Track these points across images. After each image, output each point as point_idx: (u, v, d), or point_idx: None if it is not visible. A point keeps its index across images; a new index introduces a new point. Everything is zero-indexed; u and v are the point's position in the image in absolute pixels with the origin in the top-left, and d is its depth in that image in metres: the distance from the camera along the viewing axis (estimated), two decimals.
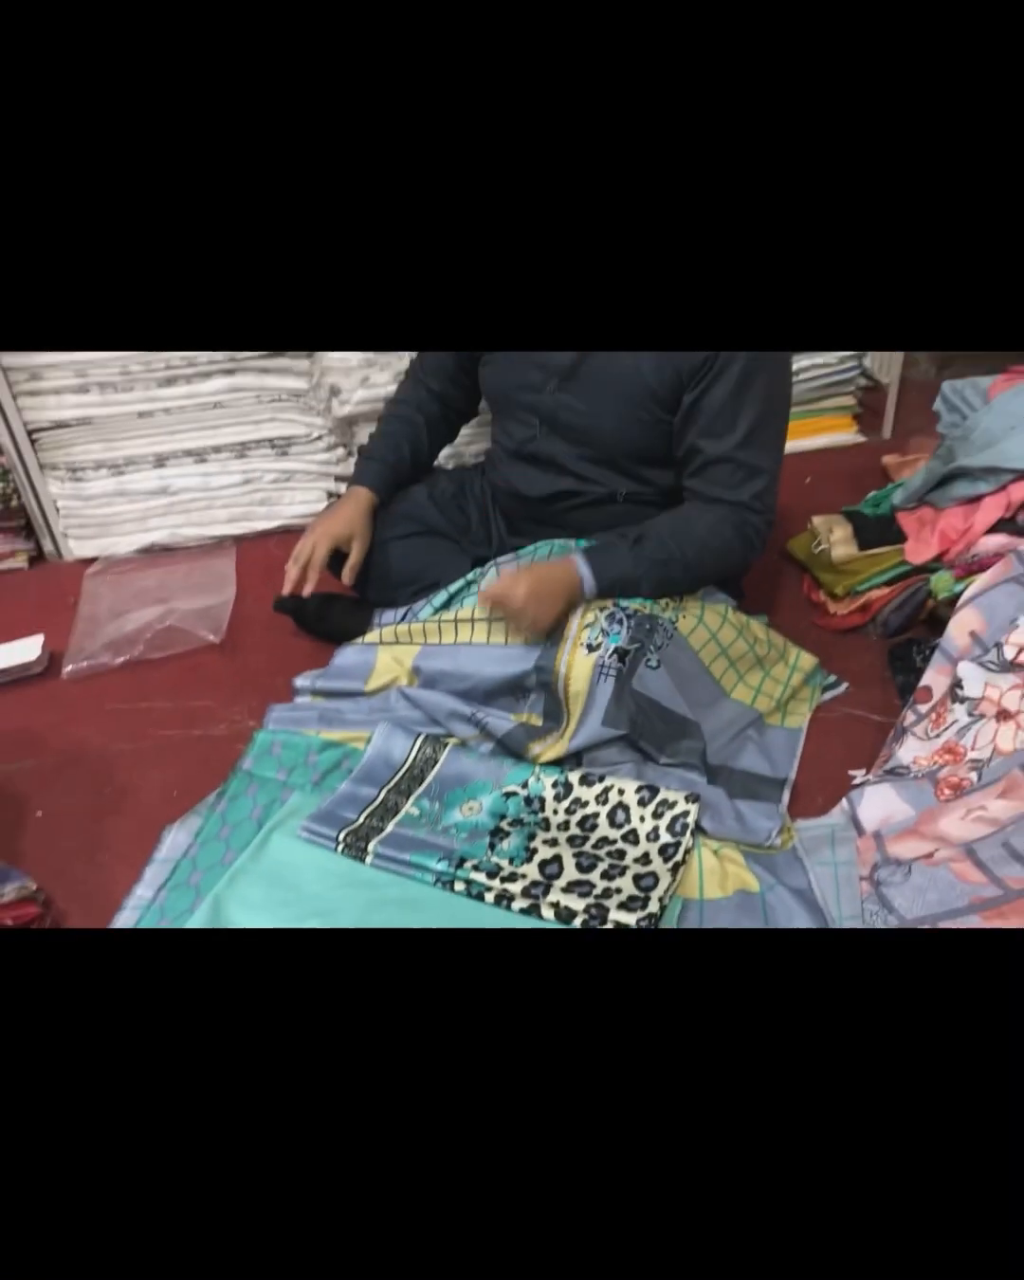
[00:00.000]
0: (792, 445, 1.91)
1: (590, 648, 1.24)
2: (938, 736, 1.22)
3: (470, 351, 1.40)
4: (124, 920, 1.12)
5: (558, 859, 1.12)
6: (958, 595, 1.32)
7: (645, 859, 1.12)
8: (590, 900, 1.06)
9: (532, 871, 1.10)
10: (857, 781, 1.24)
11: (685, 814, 1.14)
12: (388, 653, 1.37)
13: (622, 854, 1.13)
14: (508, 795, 1.21)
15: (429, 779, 1.24)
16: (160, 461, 1.76)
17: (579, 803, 1.19)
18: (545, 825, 1.17)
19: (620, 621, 1.25)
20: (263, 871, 1.13)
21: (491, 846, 1.15)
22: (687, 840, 1.13)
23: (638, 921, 1.03)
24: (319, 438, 1.79)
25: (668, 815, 1.15)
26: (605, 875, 1.10)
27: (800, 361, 1.87)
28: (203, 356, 1.67)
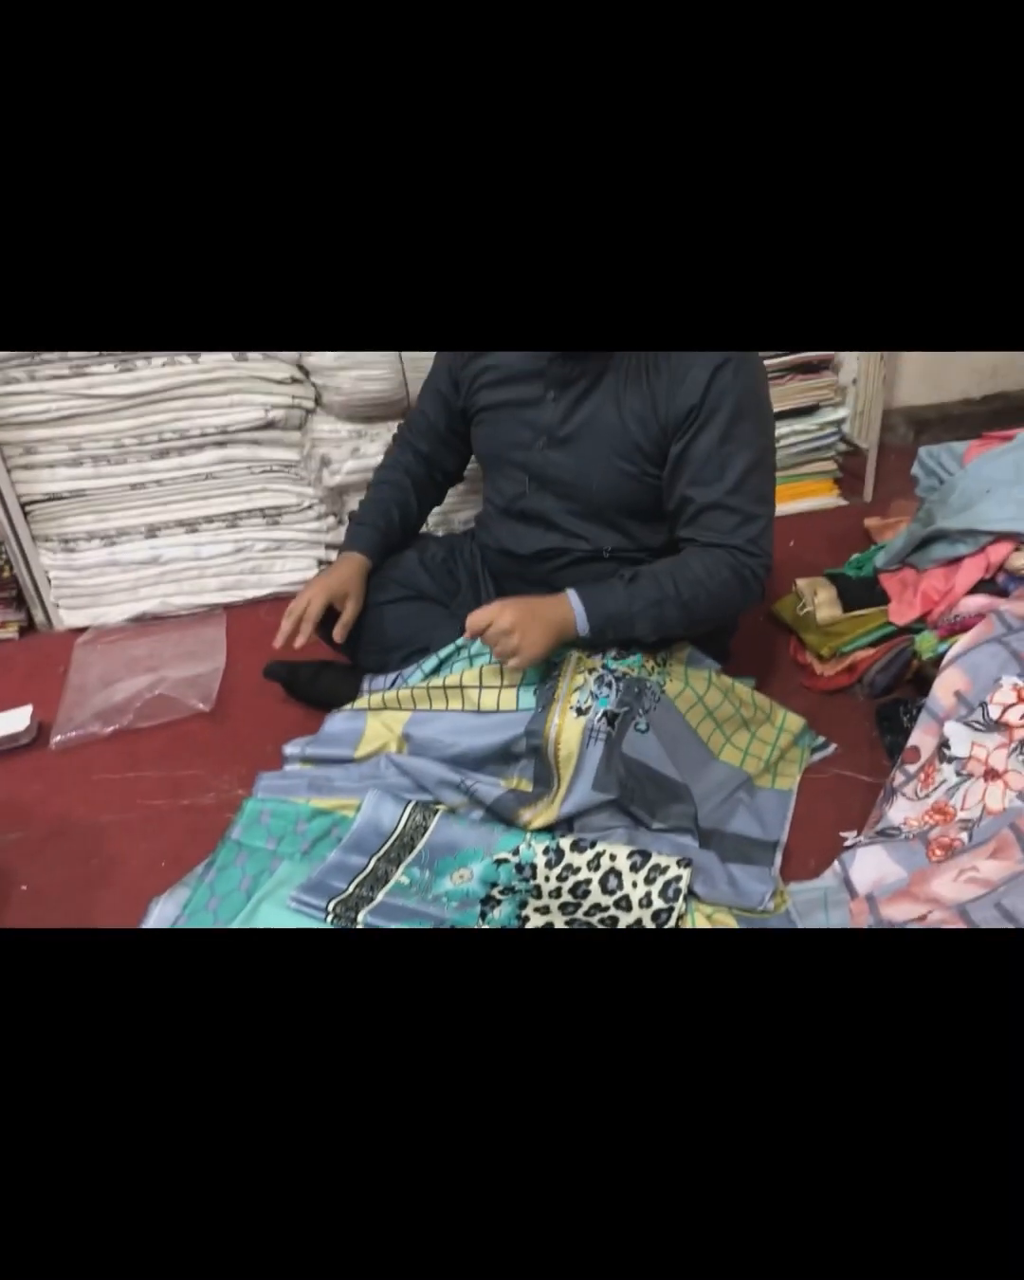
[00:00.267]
0: (775, 510, 1.95)
1: (579, 711, 1.24)
2: (927, 797, 1.22)
3: (458, 405, 1.43)
4: None
5: (550, 927, 1.11)
6: (942, 655, 1.33)
7: (639, 925, 1.11)
8: None
9: None
10: (848, 843, 1.24)
11: (678, 879, 1.13)
12: (377, 719, 1.37)
13: (615, 920, 1.12)
14: (499, 862, 1.20)
15: (419, 847, 1.23)
16: (152, 532, 1.78)
17: (571, 869, 1.18)
18: (537, 892, 1.16)
19: (609, 684, 1.26)
20: None
21: (482, 915, 1.13)
22: (680, 906, 1.12)
23: None
24: (310, 507, 1.81)
25: (660, 880, 1.14)
26: None
27: (781, 429, 1.92)
28: (195, 429, 1.70)
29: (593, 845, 1.19)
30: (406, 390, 1.72)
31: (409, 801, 1.27)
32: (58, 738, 1.52)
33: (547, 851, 1.20)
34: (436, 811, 1.26)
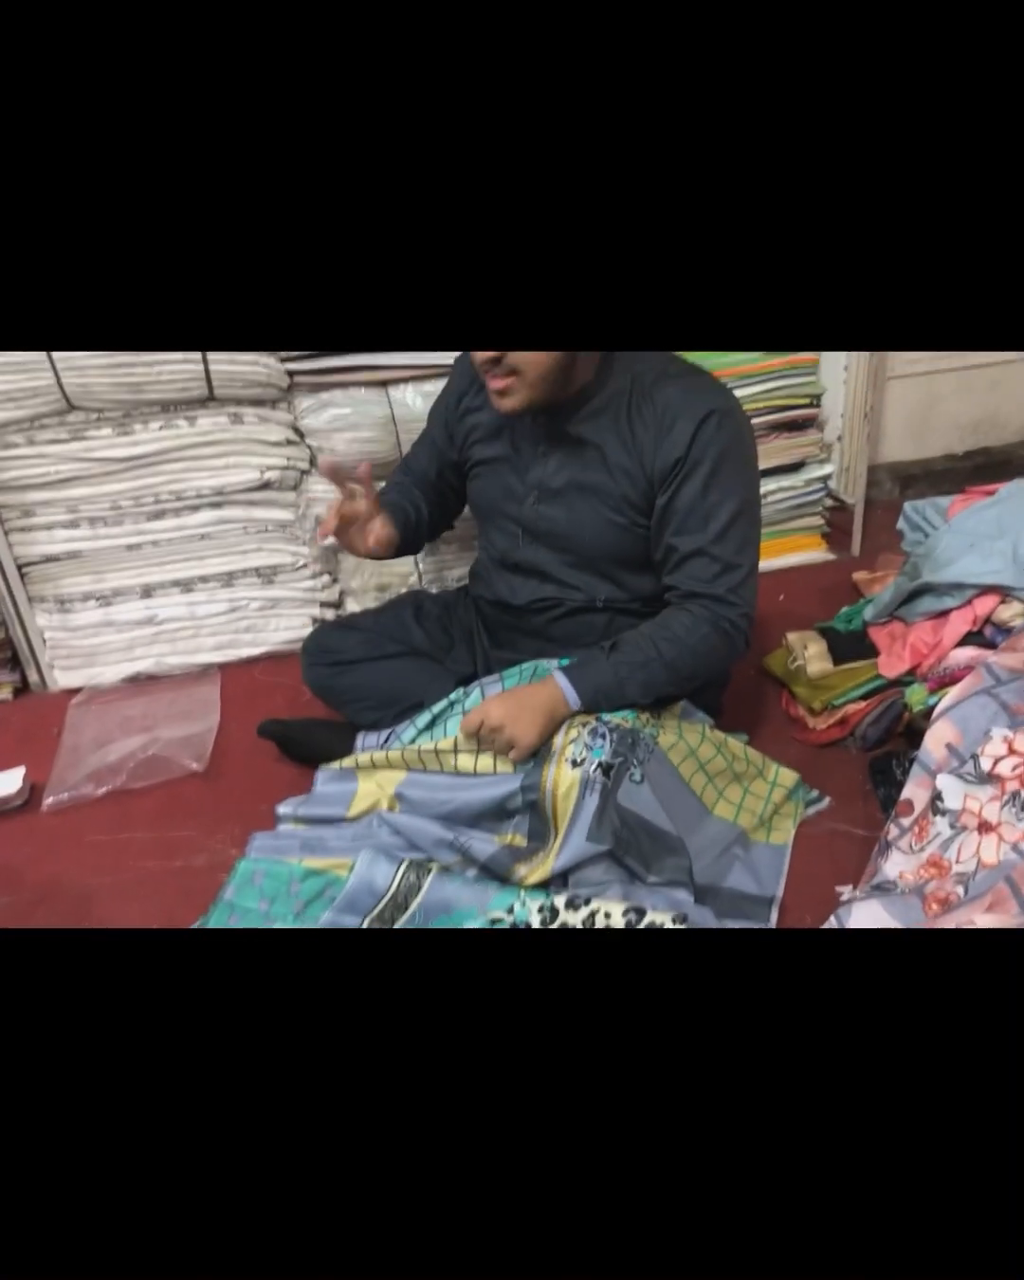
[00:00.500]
0: (765, 564, 1.96)
1: (574, 763, 1.24)
2: (922, 850, 1.22)
3: (452, 457, 1.45)
4: None
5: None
6: (933, 708, 1.34)
7: None
8: None
9: None
10: (844, 898, 1.23)
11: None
12: (370, 778, 1.37)
13: None
14: (493, 922, 1.19)
15: (413, 907, 1.22)
16: (147, 592, 1.80)
17: (566, 928, 1.17)
18: None
19: (602, 736, 1.26)
20: None
21: None
22: None
23: None
24: (304, 566, 1.83)
25: None
26: None
27: (767, 485, 1.95)
28: (191, 490, 1.73)
29: (587, 902, 1.18)
30: (399, 451, 1.75)
31: (403, 861, 1.27)
32: (50, 800, 1.52)
33: (541, 910, 1.19)
34: (431, 870, 1.26)
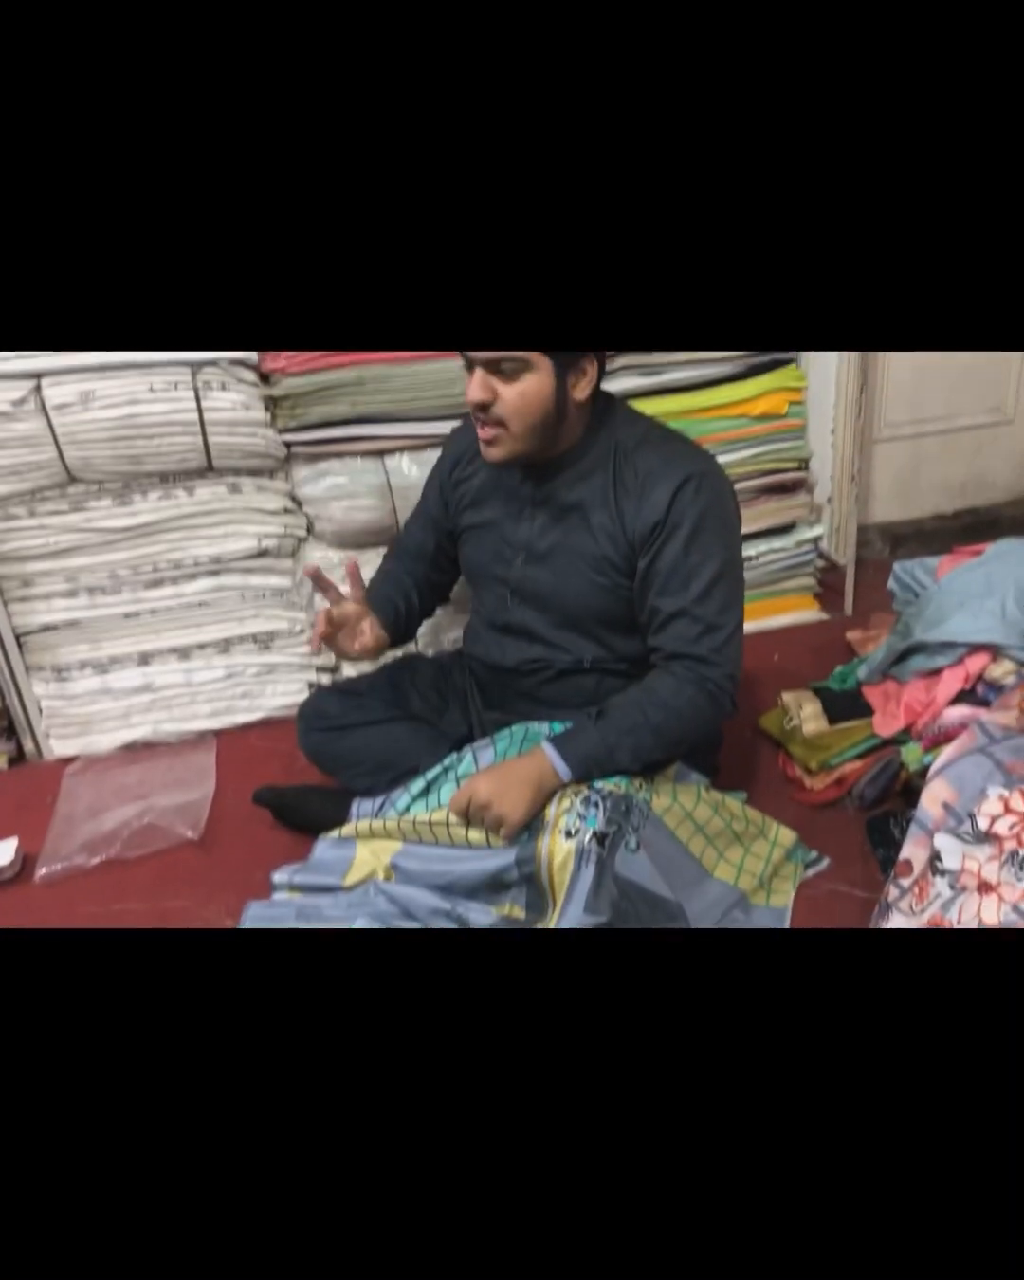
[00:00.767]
0: (758, 624, 1.99)
1: (569, 834, 1.23)
2: (923, 911, 1.20)
3: (447, 526, 1.48)
4: None
5: None
6: (928, 766, 1.34)
7: None
8: None
9: None
10: None
11: None
12: (366, 846, 1.36)
13: None
14: None
15: None
16: (145, 659, 1.80)
17: None
18: None
19: (595, 804, 1.26)
20: None
21: None
22: None
23: None
24: (301, 631, 1.85)
25: None
26: None
27: (758, 547, 1.98)
28: (189, 559, 1.75)
29: None
30: (395, 519, 1.78)
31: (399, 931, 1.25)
32: (43, 870, 1.51)
33: None
34: None
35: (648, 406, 1.53)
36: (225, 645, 1.83)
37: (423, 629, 1.89)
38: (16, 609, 1.73)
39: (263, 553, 1.77)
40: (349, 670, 1.89)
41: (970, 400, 2.24)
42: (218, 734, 1.83)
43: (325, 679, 1.88)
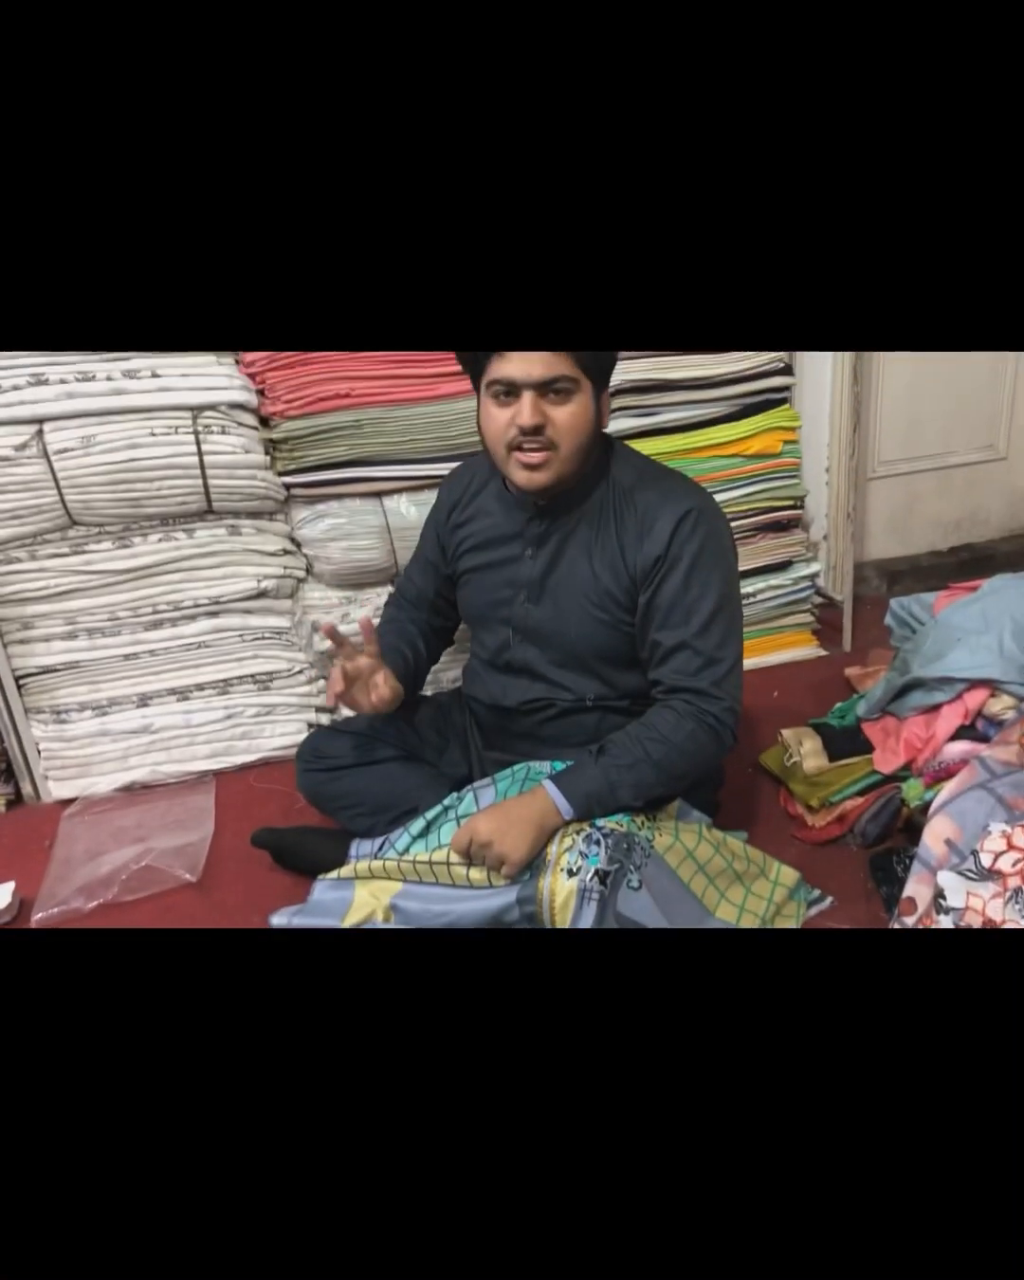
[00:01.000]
0: (757, 662, 2.00)
1: (570, 872, 1.22)
2: None
3: (446, 571, 1.49)
4: None
5: None
6: (930, 803, 1.33)
7: None
8: None
9: None
10: None
11: None
12: (365, 888, 1.35)
13: None
14: None
15: None
16: (143, 701, 1.80)
17: None
18: None
19: (597, 842, 1.25)
20: None
21: None
22: None
23: None
24: (300, 672, 1.85)
25: None
26: None
27: (756, 584, 1.98)
28: (189, 600, 1.76)
29: None
30: (394, 559, 1.79)
31: None
32: (38, 915, 1.49)
33: None
34: None
35: (643, 447, 1.55)
36: (224, 686, 1.83)
37: None
38: (16, 651, 1.74)
39: (262, 593, 1.78)
40: (348, 710, 1.89)
41: (963, 438, 2.27)
42: (216, 775, 1.82)
43: (324, 719, 1.88)
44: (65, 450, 1.59)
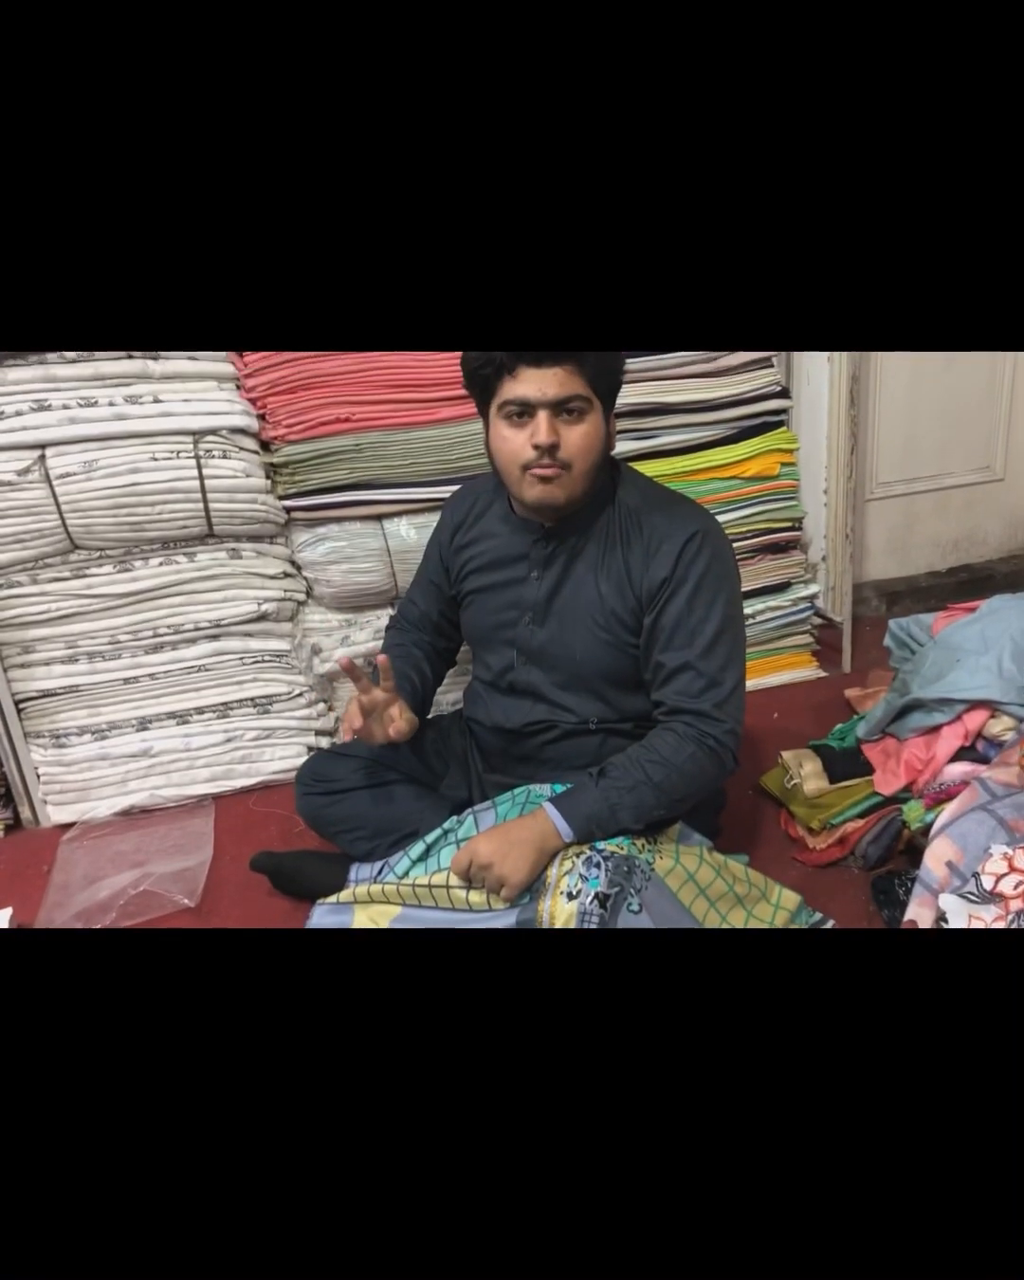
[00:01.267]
0: (757, 683, 2.00)
1: (570, 895, 1.22)
2: None
3: (450, 592, 1.49)
4: None
5: None
6: (931, 824, 1.33)
7: None
8: None
9: None
10: None
11: None
12: (364, 912, 1.34)
13: None
14: None
15: None
16: (143, 724, 1.80)
17: None
18: None
19: (597, 865, 1.24)
20: None
21: None
22: None
23: None
24: (300, 695, 1.85)
25: None
26: None
27: (755, 605, 1.99)
28: (189, 623, 1.76)
29: None
30: (394, 582, 1.80)
31: None
32: None
33: None
34: None
35: (641, 470, 1.55)
36: (224, 709, 1.83)
37: None
38: (15, 675, 1.74)
39: (262, 617, 1.78)
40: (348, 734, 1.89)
41: (960, 459, 2.28)
42: (216, 799, 1.82)
43: (324, 742, 1.87)
44: (67, 475, 1.60)
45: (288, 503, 1.73)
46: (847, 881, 1.47)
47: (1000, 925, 1.14)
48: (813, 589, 2.05)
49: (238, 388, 1.67)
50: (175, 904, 1.54)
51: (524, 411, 1.25)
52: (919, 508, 2.31)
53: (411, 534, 1.76)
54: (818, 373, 1.95)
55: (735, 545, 1.90)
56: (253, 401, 1.67)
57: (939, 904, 1.21)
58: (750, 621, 1.98)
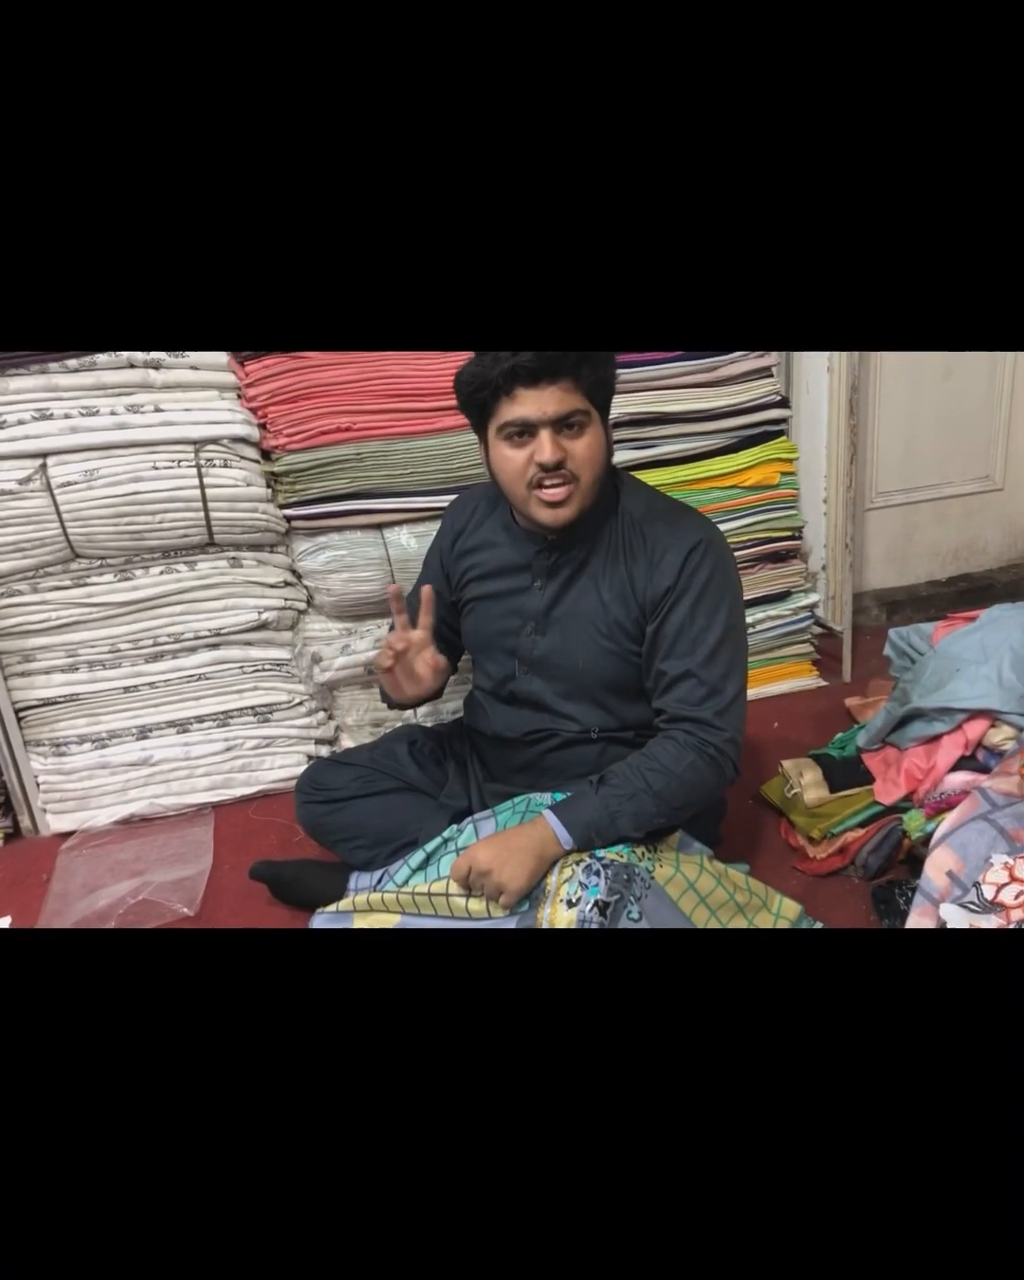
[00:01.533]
0: (757, 692, 2.00)
1: (570, 903, 1.22)
2: None
3: (451, 599, 1.49)
4: None
5: None
6: (931, 834, 1.32)
7: None
8: None
9: None
10: None
11: None
12: (363, 921, 1.34)
13: None
14: None
15: None
16: (143, 733, 1.80)
17: None
18: None
19: (597, 873, 1.24)
20: None
21: None
22: None
23: None
24: (300, 703, 1.85)
25: None
26: None
27: (756, 614, 1.99)
28: (189, 632, 1.76)
29: None
30: None
31: None
32: None
33: None
34: None
35: (641, 479, 1.56)
36: (224, 718, 1.83)
37: None
38: (16, 684, 1.74)
39: (263, 625, 1.79)
40: (348, 742, 1.89)
41: (959, 469, 2.29)
42: (215, 807, 1.82)
43: (324, 751, 1.87)
44: (68, 483, 1.61)
45: (288, 511, 1.74)
46: (847, 891, 1.46)
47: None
48: (813, 598, 2.05)
49: (239, 397, 1.68)
50: (174, 913, 1.53)
51: (525, 431, 1.25)
52: (919, 517, 2.32)
53: (412, 543, 1.76)
54: (818, 382, 1.96)
55: (736, 554, 1.91)
56: (254, 410, 1.68)
57: (940, 913, 1.21)
58: (751, 630, 1.98)
